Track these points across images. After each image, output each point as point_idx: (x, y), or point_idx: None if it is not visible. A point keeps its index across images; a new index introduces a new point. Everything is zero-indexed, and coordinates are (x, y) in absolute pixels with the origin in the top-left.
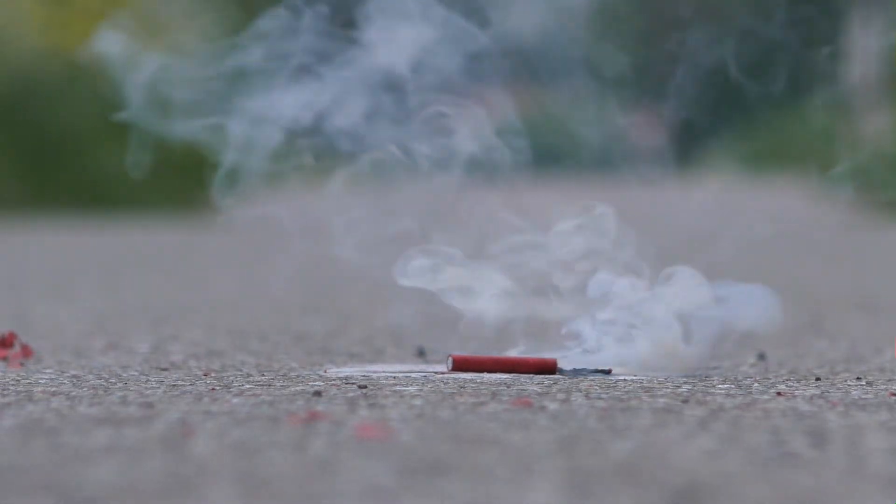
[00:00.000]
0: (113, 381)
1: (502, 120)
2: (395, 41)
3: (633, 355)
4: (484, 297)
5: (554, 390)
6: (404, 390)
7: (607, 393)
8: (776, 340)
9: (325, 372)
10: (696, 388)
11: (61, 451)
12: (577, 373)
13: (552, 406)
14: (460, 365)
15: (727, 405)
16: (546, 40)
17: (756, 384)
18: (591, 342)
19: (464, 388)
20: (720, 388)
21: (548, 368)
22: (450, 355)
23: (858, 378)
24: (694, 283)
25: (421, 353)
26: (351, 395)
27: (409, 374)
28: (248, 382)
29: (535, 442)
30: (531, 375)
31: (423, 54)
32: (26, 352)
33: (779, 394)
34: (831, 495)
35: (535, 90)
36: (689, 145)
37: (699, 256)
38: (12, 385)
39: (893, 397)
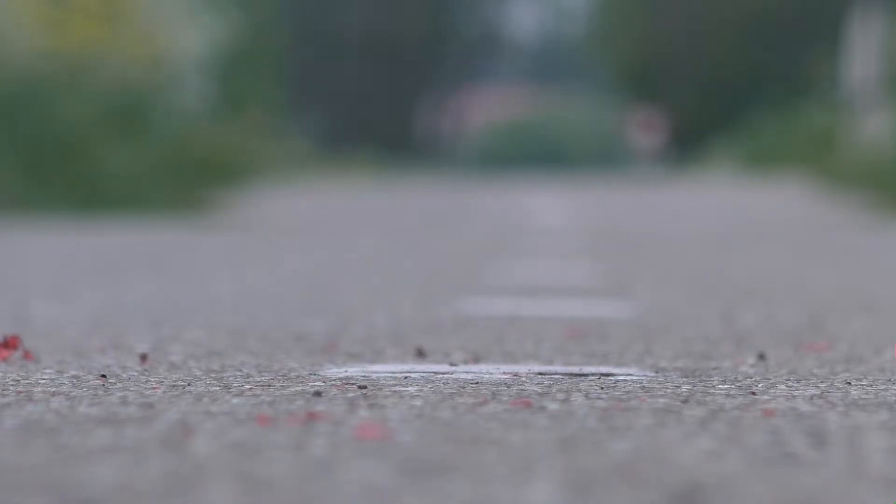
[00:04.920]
0: (112, 380)
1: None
2: None
3: None
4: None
5: (554, 390)
6: (404, 390)
7: (607, 393)
8: (777, 340)
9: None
10: (696, 389)
11: (61, 451)
12: None
13: (552, 406)
14: None
15: (727, 405)
16: (549, 40)
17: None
18: None
19: (464, 388)
20: (720, 389)
21: None
22: None
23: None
24: None
25: (420, 354)
26: (351, 395)
27: (408, 375)
28: (247, 383)
29: (535, 442)
30: (531, 375)
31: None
32: (27, 356)
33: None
34: (831, 495)
35: (538, 90)
36: (689, 144)
37: (699, 257)
38: (12, 385)
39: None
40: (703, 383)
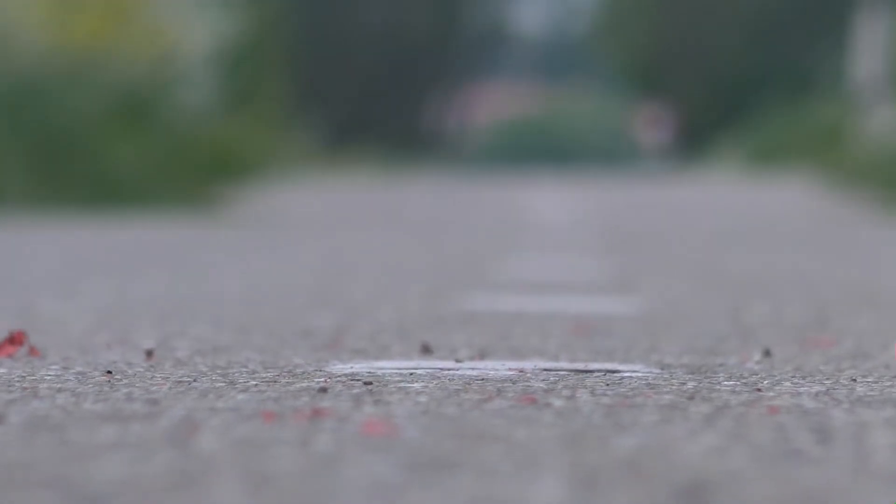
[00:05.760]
0: (118, 377)
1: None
2: None
3: None
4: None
5: (559, 387)
6: (410, 387)
7: (613, 390)
8: (782, 337)
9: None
10: (701, 385)
11: (67, 447)
12: None
13: (557, 402)
14: None
15: (733, 402)
16: (556, 36)
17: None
18: None
19: (469, 384)
20: (726, 385)
21: None
22: None
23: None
24: None
25: (426, 350)
26: (356, 391)
27: (414, 371)
28: (253, 378)
29: (541, 438)
30: (537, 371)
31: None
32: (33, 352)
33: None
34: (837, 492)
35: (544, 86)
36: (696, 140)
37: (706, 253)
38: (18, 381)
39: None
40: (708, 380)
